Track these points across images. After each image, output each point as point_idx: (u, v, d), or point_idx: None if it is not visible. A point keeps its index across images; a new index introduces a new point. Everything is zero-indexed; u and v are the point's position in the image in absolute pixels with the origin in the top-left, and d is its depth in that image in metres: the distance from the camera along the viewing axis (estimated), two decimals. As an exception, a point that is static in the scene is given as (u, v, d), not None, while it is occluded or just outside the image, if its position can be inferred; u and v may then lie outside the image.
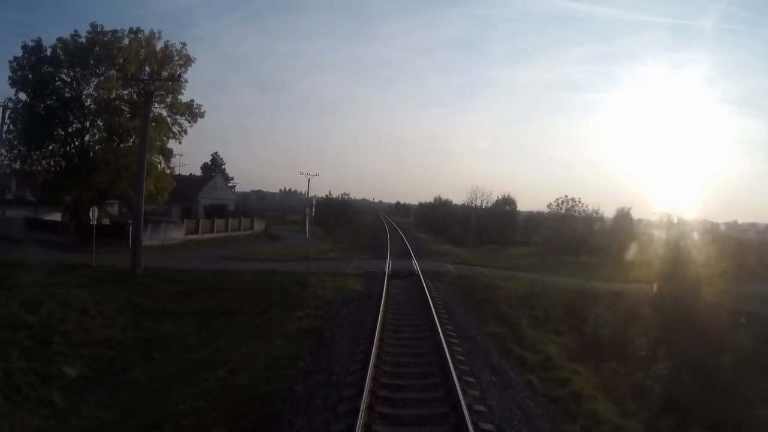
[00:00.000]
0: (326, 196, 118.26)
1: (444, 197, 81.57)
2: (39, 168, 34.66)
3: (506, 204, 69.20)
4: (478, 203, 62.80)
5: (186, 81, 39.21)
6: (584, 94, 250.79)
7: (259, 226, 55.62)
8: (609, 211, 54.59)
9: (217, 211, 55.66)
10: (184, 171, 74.32)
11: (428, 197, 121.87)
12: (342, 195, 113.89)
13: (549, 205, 62.84)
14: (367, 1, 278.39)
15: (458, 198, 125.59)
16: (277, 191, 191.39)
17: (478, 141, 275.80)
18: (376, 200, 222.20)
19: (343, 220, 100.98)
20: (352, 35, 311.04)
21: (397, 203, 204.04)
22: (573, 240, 44.60)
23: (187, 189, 58.89)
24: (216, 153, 77.67)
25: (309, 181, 76.72)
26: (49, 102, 33.90)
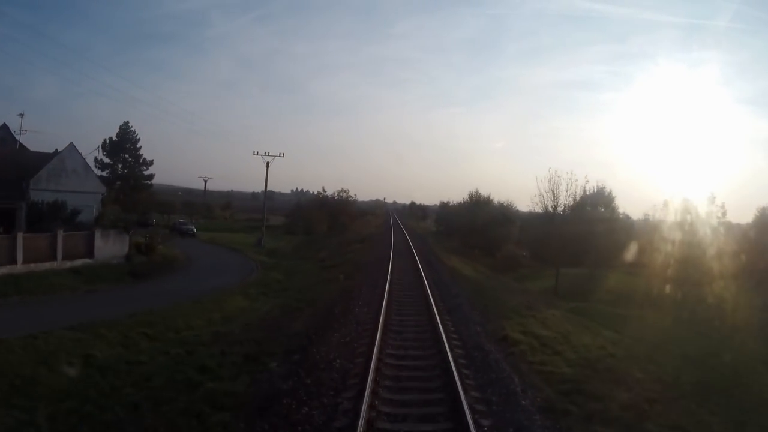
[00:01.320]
0: (318, 193, 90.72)
1: (481, 192, 52.57)
2: None
3: (598, 203, 40.00)
4: (562, 201, 33.99)
5: None
6: (599, 93, 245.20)
7: (114, 247, 27.10)
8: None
9: (50, 215, 27.53)
10: (38, 144, 38.92)
11: (442, 197, 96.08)
12: (339, 193, 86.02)
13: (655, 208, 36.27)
14: (381, 1, 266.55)
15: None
16: (289, 191, 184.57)
17: (493, 141, 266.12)
18: (390, 200, 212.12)
19: (338, 226, 73.01)
20: (365, 35, 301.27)
21: (412, 203, 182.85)
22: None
23: (9, 174, 31.19)
24: (127, 123, 50.01)
25: (267, 167, 48.27)
26: None
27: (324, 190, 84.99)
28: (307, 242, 54.52)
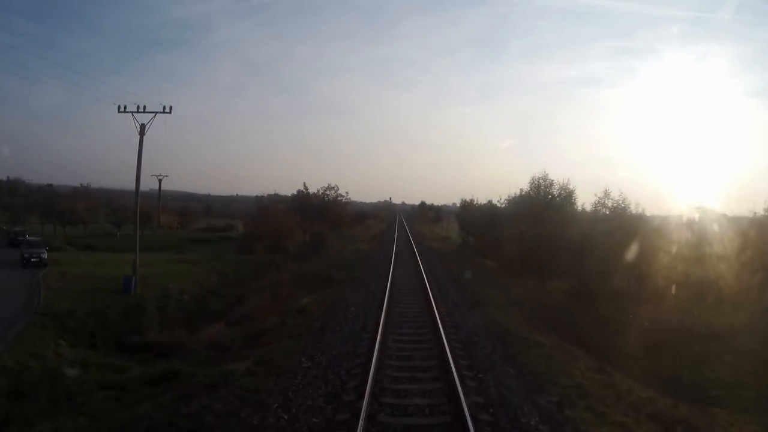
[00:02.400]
0: (300, 191, 68.30)
1: (553, 179, 28.81)
2: None
3: None
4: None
5: None
6: (605, 90, 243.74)
7: None
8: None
9: None
10: None
11: (452, 197, 74.88)
12: (324, 191, 63.32)
13: None
14: (386, 2, 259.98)
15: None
16: (295, 192, 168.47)
17: (501, 140, 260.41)
18: (398, 201, 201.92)
19: (318, 239, 50.26)
20: (372, 37, 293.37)
21: (422, 204, 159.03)
22: None
23: None
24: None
25: (142, 133, 24.90)
26: None
27: (306, 188, 62.36)
28: (249, 274, 31.98)
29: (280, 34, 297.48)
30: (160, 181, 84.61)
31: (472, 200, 70.61)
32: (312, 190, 61.53)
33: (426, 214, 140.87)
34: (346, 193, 62.13)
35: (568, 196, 27.56)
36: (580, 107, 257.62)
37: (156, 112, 25.60)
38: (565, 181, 27.77)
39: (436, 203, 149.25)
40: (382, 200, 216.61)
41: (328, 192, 61.45)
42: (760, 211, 23.54)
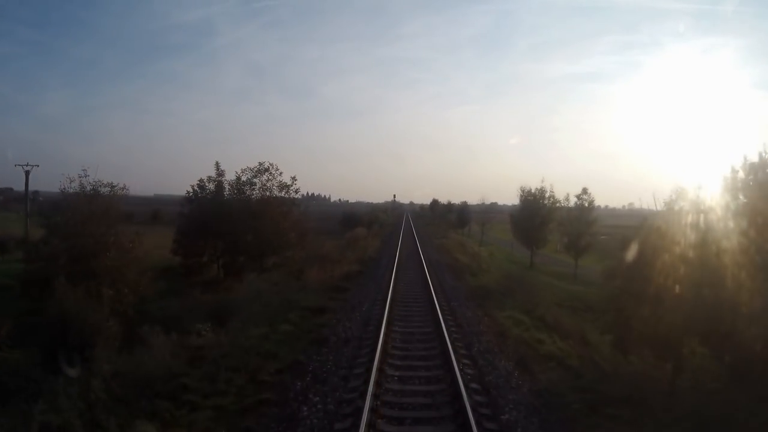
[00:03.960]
0: (200, 182, 34.89)
1: None
2: None
3: None
4: None
5: None
6: (611, 85, 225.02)
7: None
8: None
9: None
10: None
11: (461, 196, 41.97)
12: (251, 177, 30.09)
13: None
14: (389, 2, 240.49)
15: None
16: (299, 196, 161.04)
17: (508, 137, 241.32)
18: (406, 201, 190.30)
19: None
20: (375, 37, 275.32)
21: (434, 202, 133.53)
22: None
23: None
24: None
25: None
26: None
27: (219, 173, 29.61)
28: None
29: (284, 37, 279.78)
30: (27, 173, 52.86)
31: (543, 191, 37.95)
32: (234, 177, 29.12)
33: (440, 215, 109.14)
34: (293, 179, 29.49)
35: None
36: (586, 102, 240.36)
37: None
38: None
39: (448, 201, 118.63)
40: (389, 200, 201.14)
41: (253, 179, 28.85)
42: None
